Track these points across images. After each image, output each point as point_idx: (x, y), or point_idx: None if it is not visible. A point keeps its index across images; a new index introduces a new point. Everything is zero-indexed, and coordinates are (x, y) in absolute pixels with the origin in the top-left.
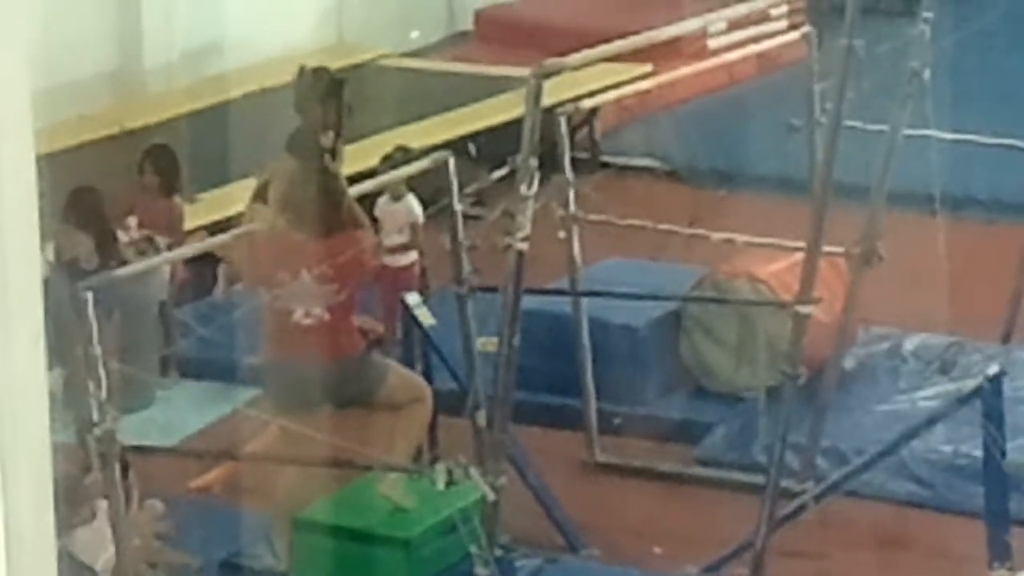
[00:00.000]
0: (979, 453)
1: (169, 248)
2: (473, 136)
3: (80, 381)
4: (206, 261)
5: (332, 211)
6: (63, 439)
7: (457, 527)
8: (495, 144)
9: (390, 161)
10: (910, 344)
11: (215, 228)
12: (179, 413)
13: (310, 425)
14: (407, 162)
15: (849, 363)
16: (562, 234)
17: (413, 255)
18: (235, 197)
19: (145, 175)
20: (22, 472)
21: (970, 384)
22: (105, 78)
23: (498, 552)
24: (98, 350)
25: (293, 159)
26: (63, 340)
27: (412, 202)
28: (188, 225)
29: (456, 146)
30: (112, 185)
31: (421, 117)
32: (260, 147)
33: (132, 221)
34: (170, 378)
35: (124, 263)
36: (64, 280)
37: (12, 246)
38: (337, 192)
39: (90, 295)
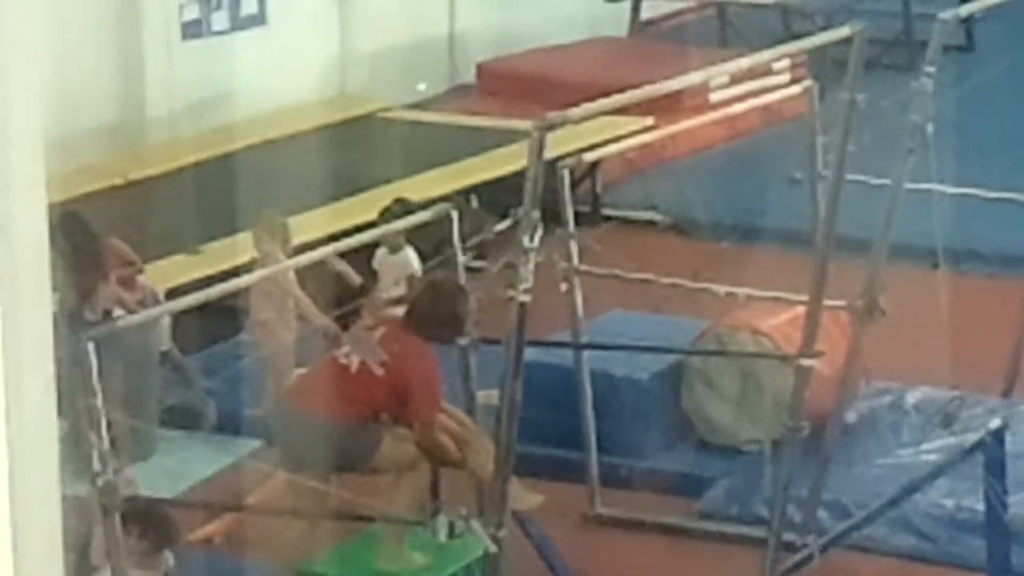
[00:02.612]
0: (981, 507)
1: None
2: (475, 188)
3: (82, 431)
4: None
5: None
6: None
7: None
8: (497, 196)
9: (389, 214)
10: (912, 398)
11: (218, 278)
12: (181, 464)
13: (311, 478)
14: (406, 215)
15: (851, 417)
16: (564, 287)
17: None
18: (238, 248)
19: None
20: (32, 523)
21: (972, 438)
22: (108, 129)
23: None
24: (99, 401)
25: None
26: (65, 390)
27: (410, 255)
28: (194, 275)
29: (458, 198)
30: (114, 235)
31: (423, 169)
32: (263, 198)
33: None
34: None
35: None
36: (66, 330)
37: (24, 297)
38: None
39: (91, 345)
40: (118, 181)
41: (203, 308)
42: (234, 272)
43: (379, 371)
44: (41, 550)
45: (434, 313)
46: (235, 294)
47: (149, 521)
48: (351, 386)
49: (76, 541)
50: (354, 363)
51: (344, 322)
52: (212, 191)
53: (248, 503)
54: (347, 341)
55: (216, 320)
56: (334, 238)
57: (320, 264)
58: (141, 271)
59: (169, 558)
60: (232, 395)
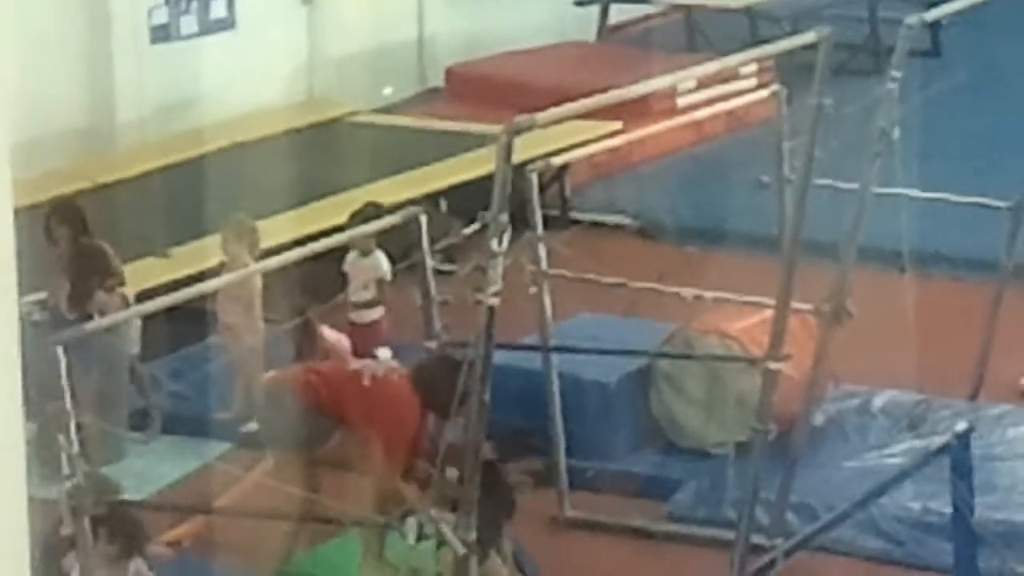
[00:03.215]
0: (948, 509)
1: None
2: (444, 192)
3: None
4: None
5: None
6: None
7: None
8: (466, 200)
9: (359, 217)
10: (879, 401)
11: (187, 282)
12: (151, 467)
13: (289, 468)
14: (376, 219)
15: (819, 419)
16: (533, 290)
17: (380, 310)
18: (207, 251)
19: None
20: None
21: (939, 441)
22: (76, 133)
23: None
24: (69, 404)
25: None
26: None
27: (380, 258)
28: (162, 279)
29: (427, 202)
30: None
31: (392, 173)
32: (232, 202)
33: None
34: (145, 432)
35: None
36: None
37: None
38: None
39: (61, 349)
40: (86, 185)
41: (172, 312)
42: (203, 276)
43: (367, 382)
44: (7, 551)
45: (435, 386)
46: (204, 297)
47: (117, 525)
48: (332, 379)
49: (45, 544)
50: (354, 366)
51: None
52: (181, 195)
53: (218, 505)
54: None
55: (185, 324)
56: (303, 242)
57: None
58: (123, 283)
59: (142, 565)
60: (201, 398)
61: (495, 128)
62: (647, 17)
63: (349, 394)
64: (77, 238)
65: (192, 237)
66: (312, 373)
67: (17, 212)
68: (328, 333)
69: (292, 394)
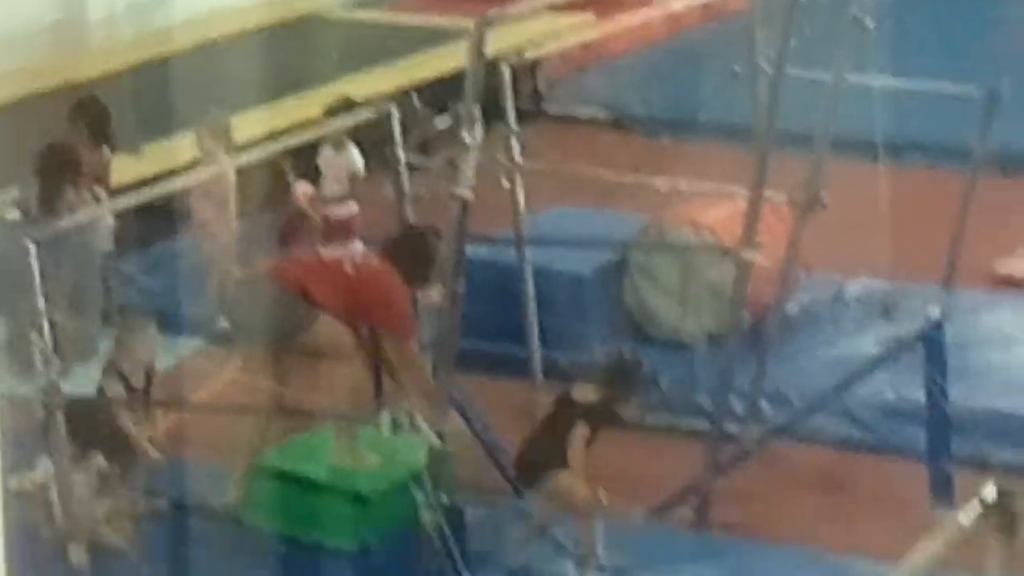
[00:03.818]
0: (921, 396)
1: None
2: (417, 87)
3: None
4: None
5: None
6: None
7: (412, 480)
8: (439, 95)
9: (333, 112)
10: (853, 289)
11: (160, 179)
12: None
13: (261, 362)
14: (349, 113)
15: (792, 308)
16: (506, 183)
17: (353, 206)
18: (180, 148)
19: (76, 126)
20: None
21: (912, 328)
22: (48, 30)
23: (444, 499)
24: (42, 302)
25: None
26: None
27: (353, 153)
28: (134, 176)
29: (400, 97)
30: (55, 138)
31: (364, 68)
32: (205, 98)
33: None
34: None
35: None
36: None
37: None
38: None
39: (33, 246)
40: (58, 82)
41: (145, 209)
42: (176, 173)
43: (348, 269)
44: None
45: (409, 257)
46: (178, 194)
47: (79, 421)
48: (312, 267)
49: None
50: (327, 254)
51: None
52: (153, 92)
53: (191, 401)
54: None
55: (159, 221)
56: (276, 137)
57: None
58: (107, 180)
59: (102, 462)
60: (174, 295)
61: (467, 22)
62: None
63: (335, 283)
64: (93, 136)
65: (165, 134)
66: (292, 262)
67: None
68: (303, 186)
69: (274, 283)
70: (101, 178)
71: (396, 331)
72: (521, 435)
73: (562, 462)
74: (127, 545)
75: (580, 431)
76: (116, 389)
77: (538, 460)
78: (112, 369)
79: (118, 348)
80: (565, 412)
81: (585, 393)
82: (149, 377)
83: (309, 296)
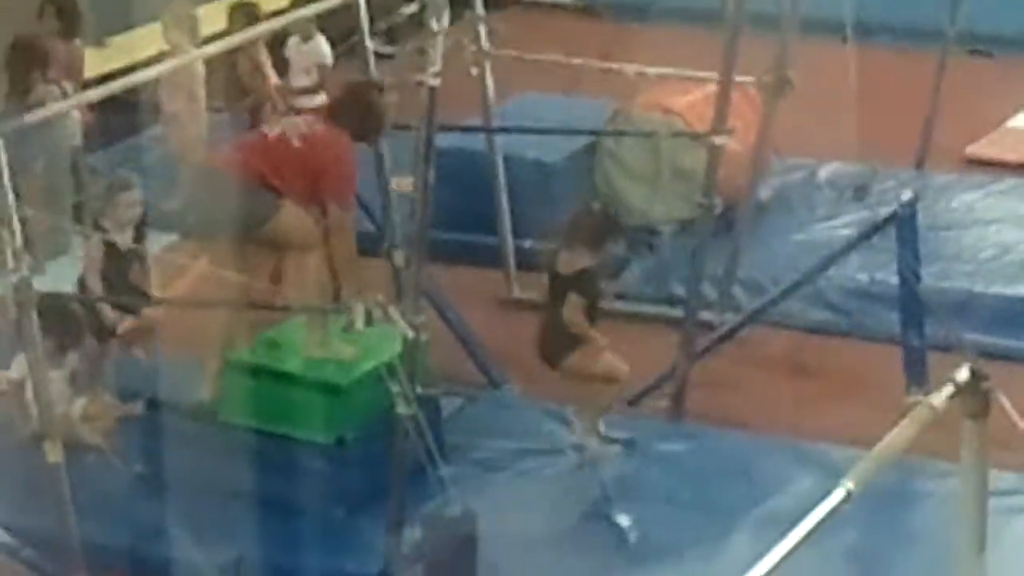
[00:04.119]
0: (894, 279)
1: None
2: None
3: None
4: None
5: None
6: None
7: (386, 376)
8: None
9: (300, 1)
10: (824, 173)
11: (126, 71)
12: None
13: (223, 255)
14: (316, 2)
15: (764, 193)
16: (474, 70)
17: (322, 97)
18: (145, 40)
19: (45, 19)
20: None
21: (885, 211)
22: None
23: (420, 390)
24: (11, 197)
25: None
26: None
27: (321, 43)
28: (100, 70)
29: None
30: (21, 32)
31: None
32: None
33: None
34: (84, 225)
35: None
36: None
37: None
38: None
39: (1, 141)
40: None
41: (113, 103)
42: (143, 66)
43: (296, 143)
44: None
45: (354, 114)
46: (146, 88)
47: (54, 318)
48: (264, 151)
49: None
50: (272, 132)
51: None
52: None
53: (165, 296)
54: (286, 121)
55: (127, 115)
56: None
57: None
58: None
59: (75, 357)
60: (145, 189)
61: None
62: None
63: (284, 160)
64: (65, 29)
65: (130, 27)
66: (243, 149)
67: None
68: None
69: (230, 173)
70: (74, 71)
71: (338, 199)
72: (495, 324)
73: (574, 341)
74: (103, 443)
75: (571, 302)
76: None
77: (553, 346)
78: (97, 237)
79: (103, 212)
80: (557, 289)
81: (569, 262)
82: (140, 233)
83: (266, 180)
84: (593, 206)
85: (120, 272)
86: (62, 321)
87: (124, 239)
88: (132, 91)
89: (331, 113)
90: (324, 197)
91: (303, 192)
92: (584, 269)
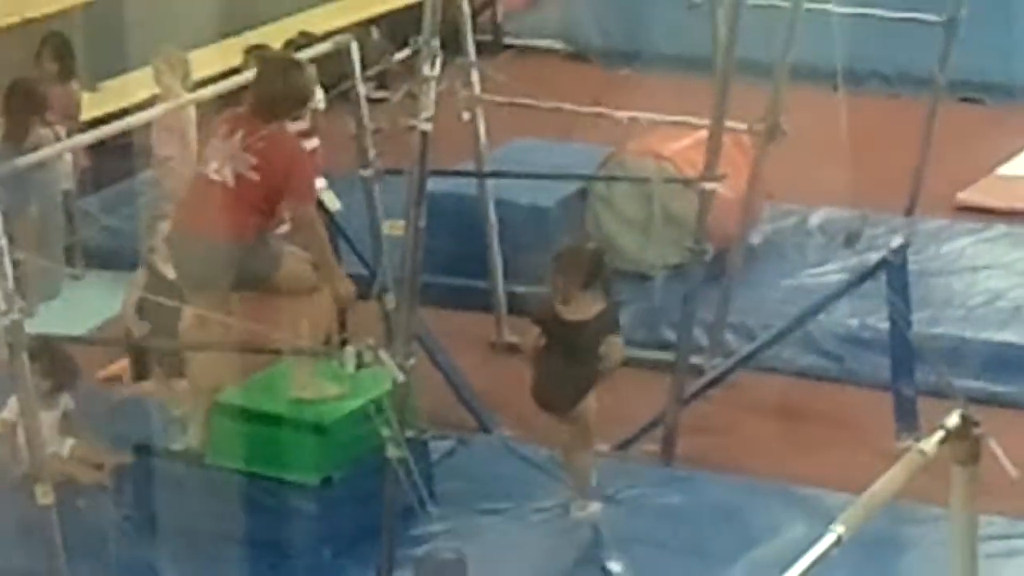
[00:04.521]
0: (885, 325)
1: (69, 134)
2: (375, 19)
3: None
4: (112, 149)
5: (284, 104)
6: None
7: (373, 414)
8: (398, 28)
9: (292, 46)
10: (815, 219)
11: (118, 116)
12: (86, 303)
13: (212, 307)
14: (309, 47)
15: (755, 239)
16: (467, 115)
17: (315, 141)
18: (137, 85)
19: (42, 63)
20: None
21: (875, 257)
22: None
23: (411, 434)
24: (3, 240)
25: None
26: None
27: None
28: (92, 114)
29: (359, 30)
30: (13, 75)
31: (323, 2)
32: (162, 33)
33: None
34: (76, 268)
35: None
36: None
37: None
38: (298, 91)
39: None
40: (14, 20)
41: (106, 146)
42: (134, 110)
43: (255, 176)
44: None
45: (276, 90)
46: (138, 131)
47: (49, 361)
48: (236, 201)
49: None
50: (228, 177)
51: None
52: (110, 28)
53: (153, 341)
54: (212, 155)
55: (119, 158)
56: (236, 71)
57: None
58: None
59: (70, 401)
60: (135, 232)
61: None
62: None
63: (236, 198)
64: (62, 72)
65: (122, 71)
66: (187, 209)
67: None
68: None
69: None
70: (71, 114)
71: (295, 196)
72: (486, 368)
73: (589, 386)
74: (95, 485)
75: (613, 344)
76: None
77: (566, 392)
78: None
79: (151, 245)
80: (567, 335)
81: (581, 308)
82: None
83: (229, 234)
84: (586, 245)
85: (162, 306)
86: (56, 363)
87: (169, 270)
88: (124, 135)
89: (251, 91)
90: (285, 199)
91: (269, 213)
92: (604, 310)
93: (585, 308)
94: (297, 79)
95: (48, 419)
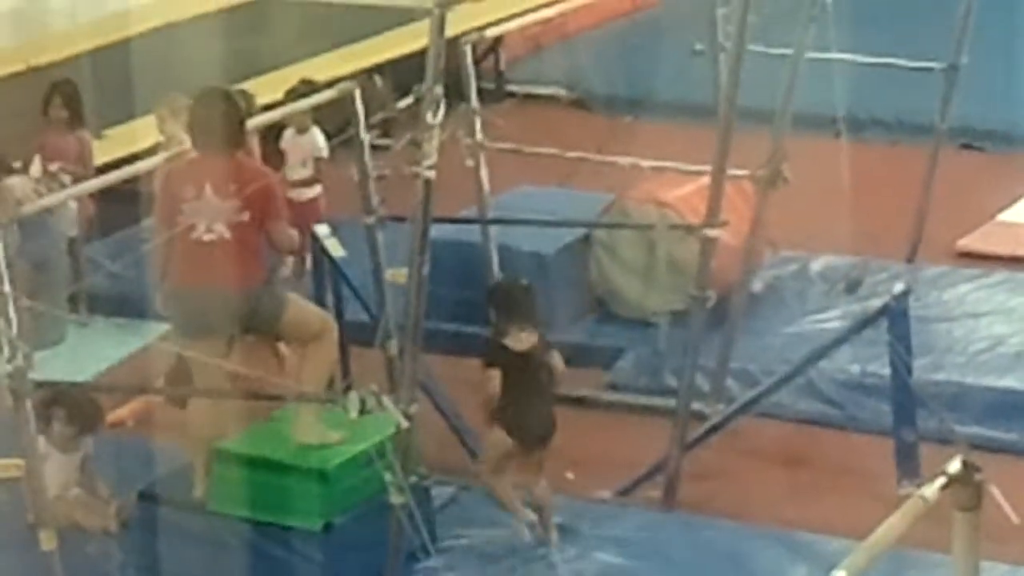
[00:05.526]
0: (886, 371)
1: (77, 181)
2: (378, 67)
3: None
4: (117, 196)
5: (235, 134)
6: None
7: (374, 458)
8: (400, 75)
9: (294, 94)
10: (817, 265)
11: (124, 162)
12: (91, 349)
13: (213, 354)
14: (311, 95)
15: (757, 285)
16: (470, 163)
17: (318, 188)
18: (141, 132)
19: (52, 109)
20: None
21: (876, 303)
22: (8, 16)
23: (413, 480)
24: (7, 287)
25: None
26: None
27: (317, 135)
28: (97, 161)
29: (362, 78)
30: (18, 122)
31: (326, 50)
32: (166, 81)
33: (36, 160)
34: (81, 314)
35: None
36: None
37: None
38: (239, 116)
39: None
40: (20, 67)
41: (111, 193)
42: (139, 157)
43: (246, 217)
44: None
45: (212, 124)
46: (142, 178)
47: (75, 406)
48: (239, 250)
49: None
50: (223, 231)
51: None
52: (114, 76)
53: (160, 385)
54: (191, 213)
55: (124, 205)
56: None
57: None
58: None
59: (89, 442)
60: (142, 279)
61: (427, 1)
62: None
63: (222, 261)
64: (72, 119)
65: (127, 119)
66: (191, 267)
67: None
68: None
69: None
70: (83, 160)
71: (273, 215)
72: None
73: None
74: (105, 530)
75: (490, 381)
76: None
77: (551, 420)
78: None
79: None
80: (530, 367)
81: (490, 349)
82: None
83: (231, 285)
84: (517, 280)
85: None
86: (81, 408)
87: None
88: (129, 182)
89: (191, 130)
90: (265, 228)
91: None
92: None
93: (528, 336)
94: (230, 111)
95: (68, 463)
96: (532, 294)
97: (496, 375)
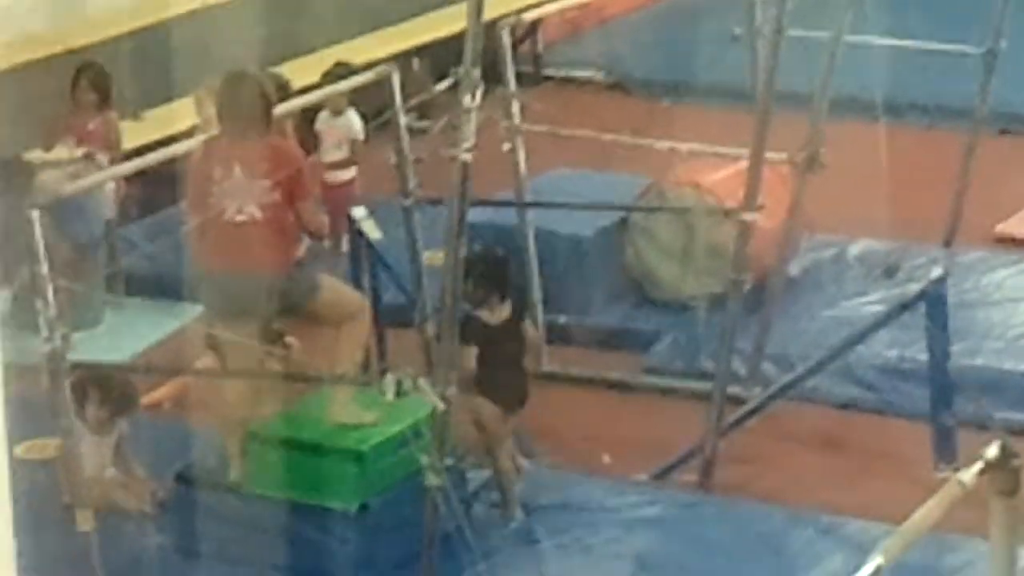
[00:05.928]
0: (924, 356)
1: (112, 163)
2: (416, 50)
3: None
4: (154, 177)
5: (262, 116)
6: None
7: (410, 439)
8: (438, 58)
9: (331, 76)
10: (854, 250)
11: (161, 144)
12: (128, 330)
13: (246, 335)
14: (348, 77)
15: (794, 270)
16: (507, 146)
17: (354, 171)
18: (180, 113)
19: (79, 92)
20: None
21: (914, 288)
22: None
23: (449, 462)
24: (45, 269)
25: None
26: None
27: (353, 118)
28: (135, 142)
29: (399, 60)
30: (56, 105)
31: (364, 32)
32: (203, 63)
33: (69, 142)
34: (117, 296)
35: None
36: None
37: None
38: (265, 98)
39: (36, 213)
40: (59, 49)
41: (148, 174)
42: (178, 138)
43: (277, 197)
44: None
45: (241, 107)
46: (180, 160)
47: (110, 388)
48: (272, 231)
49: None
50: (255, 212)
51: None
52: (153, 57)
53: (196, 367)
54: (224, 198)
55: (162, 186)
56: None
57: None
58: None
59: (123, 424)
60: (179, 260)
61: None
62: None
63: (261, 246)
64: (100, 101)
65: (165, 100)
66: (222, 251)
67: None
68: None
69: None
70: (111, 142)
71: (300, 195)
72: None
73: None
74: (141, 511)
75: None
76: None
77: (526, 386)
78: None
79: None
80: (504, 336)
81: (465, 324)
82: None
83: (266, 266)
84: (494, 251)
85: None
86: (116, 390)
87: None
88: (167, 163)
89: (218, 113)
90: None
91: (298, 226)
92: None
93: (503, 310)
94: (261, 95)
95: (103, 445)
96: (507, 264)
97: (471, 352)
